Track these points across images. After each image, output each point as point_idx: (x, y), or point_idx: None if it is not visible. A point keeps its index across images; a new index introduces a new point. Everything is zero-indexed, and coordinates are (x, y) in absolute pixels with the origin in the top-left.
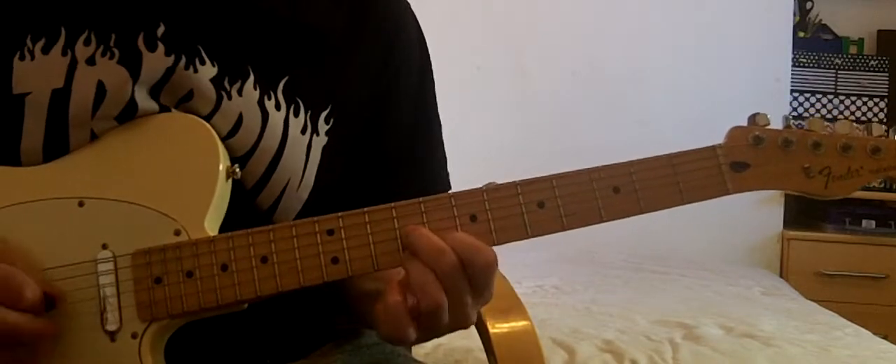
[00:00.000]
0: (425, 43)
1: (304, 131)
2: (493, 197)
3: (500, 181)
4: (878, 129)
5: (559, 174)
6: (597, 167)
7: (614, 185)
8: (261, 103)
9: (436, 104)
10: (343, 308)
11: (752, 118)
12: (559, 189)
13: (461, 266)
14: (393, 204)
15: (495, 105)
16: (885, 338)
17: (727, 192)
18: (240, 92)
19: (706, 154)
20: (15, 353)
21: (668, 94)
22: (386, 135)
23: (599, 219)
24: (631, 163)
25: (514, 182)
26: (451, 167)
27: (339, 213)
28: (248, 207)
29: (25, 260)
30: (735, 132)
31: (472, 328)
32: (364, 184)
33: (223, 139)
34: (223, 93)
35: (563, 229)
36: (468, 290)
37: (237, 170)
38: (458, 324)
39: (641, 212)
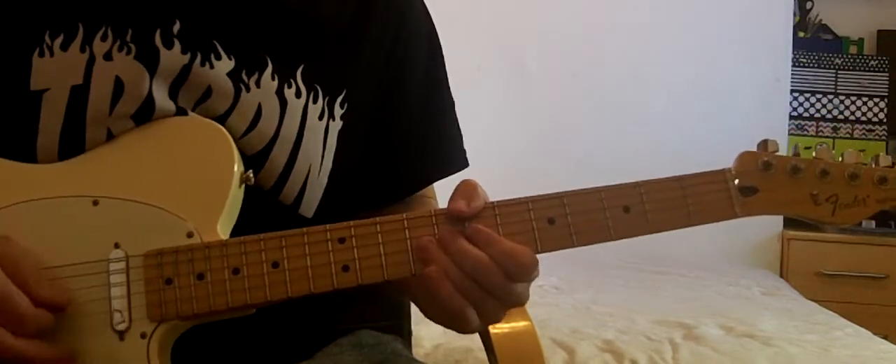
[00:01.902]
0: (433, 25)
1: (321, 117)
2: (503, 212)
3: (500, 181)
4: (885, 160)
5: (570, 192)
6: (607, 186)
7: (624, 204)
8: (280, 92)
9: (447, 84)
10: (345, 308)
11: (763, 144)
12: (570, 206)
13: (505, 277)
14: (405, 215)
15: (495, 105)
16: (885, 338)
17: (735, 216)
18: (258, 83)
19: (716, 177)
20: None
21: (668, 94)
22: (396, 116)
23: (609, 237)
24: (641, 183)
25: (524, 198)
26: None
27: (351, 222)
28: (273, 203)
29: (31, 261)
30: (745, 157)
31: None
32: (379, 165)
33: (242, 135)
34: (241, 85)
35: (573, 246)
36: (512, 286)
37: (251, 176)
38: (513, 305)
39: (650, 232)
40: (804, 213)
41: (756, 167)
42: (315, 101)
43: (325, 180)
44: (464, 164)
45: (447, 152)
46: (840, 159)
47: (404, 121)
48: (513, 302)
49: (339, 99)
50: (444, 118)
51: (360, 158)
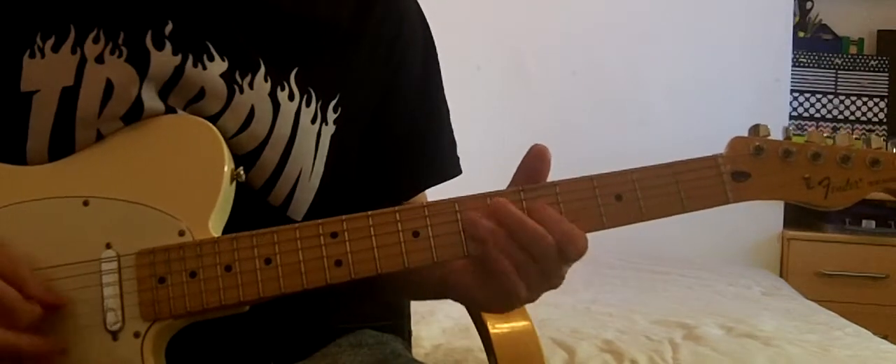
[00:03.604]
0: (429, 31)
1: (314, 121)
2: (495, 202)
3: (499, 180)
4: (877, 142)
5: (562, 181)
6: (599, 174)
7: (617, 192)
8: (272, 95)
9: (442, 90)
10: (345, 307)
11: (755, 129)
12: (562, 195)
13: (558, 252)
14: (397, 208)
15: (495, 105)
16: (885, 338)
17: (727, 202)
18: (251, 85)
19: (708, 163)
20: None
21: (668, 94)
22: (391, 122)
23: (602, 225)
24: (633, 170)
25: (517, 188)
26: None
27: (343, 217)
28: (261, 204)
29: (25, 262)
30: (736, 142)
31: (472, 328)
32: (372, 171)
33: (235, 135)
34: (235, 86)
35: None
36: (561, 260)
37: (241, 173)
38: (555, 286)
39: (643, 219)
40: (797, 197)
41: (748, 152)
42: (308, 105)
43: (316, 183)
44: (456, 171)
45: (440, 159)
46: (831, 142)
47: (399, 127)
48: (555, 279)
49: (333, 103)
50: (439, 125)
51: (353, 163)
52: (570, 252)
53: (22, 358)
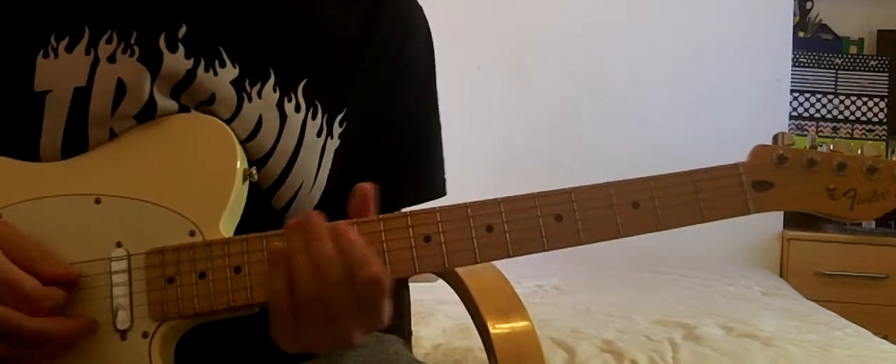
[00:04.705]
0: (432, 46)
1: (319, 134)
2: (509, 209)
3: (499, 180)
4: None
5: (578, 187)
6: (617, 182)
7: (633, 200)
8: (280, 105)
9: (437, 107)
10: None
11: (779, 137)
12: (578, 203)
13: (346, 276)
14: (408, 211)
15: (495, 105)
16: (885, 338)
17: (748, 212)
18: (260, 94)
19: (728, 172)
20: (36, 351)
21: (667, 94)
22: (389, 137)
23: (617, 234)
24: (651, 178)
25: (531, 194)
26: (451, 167)
27: (354, 220)
28: (262, 207)
29: (34, 242)
30: (759, 151)
31: (472, 328)
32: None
33: (242, 143)
34: (244, 94)
35: (581, 243)
36: (353, 303)
37: (254, 172)
38: (338, 339)
39: (660, 228)
40: (821, 208)
41: (770, 161)
42: (314, 118)
43: (316, 196)
44: (440, 193)
45: (427, 180)
46: (859, 152)
47: (394, 143)
48: (351, 315)
49: (340, 117)
50: (433, 144)
51: (354, 177)
52: (359, 273)
53: (49, 343)
